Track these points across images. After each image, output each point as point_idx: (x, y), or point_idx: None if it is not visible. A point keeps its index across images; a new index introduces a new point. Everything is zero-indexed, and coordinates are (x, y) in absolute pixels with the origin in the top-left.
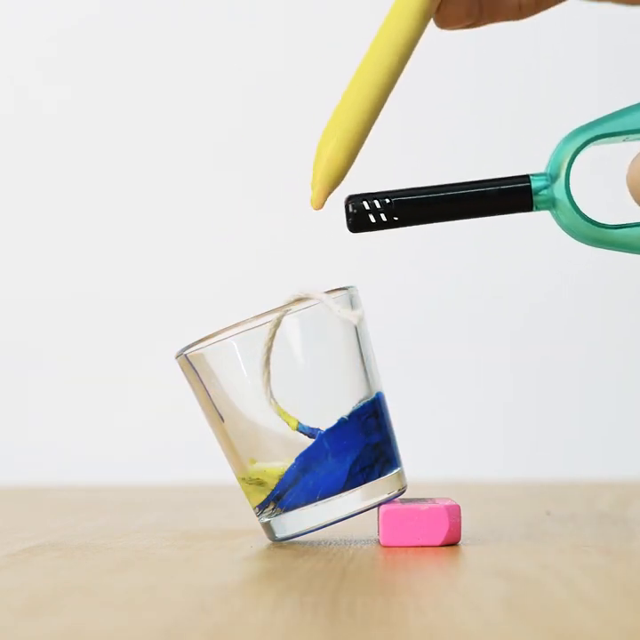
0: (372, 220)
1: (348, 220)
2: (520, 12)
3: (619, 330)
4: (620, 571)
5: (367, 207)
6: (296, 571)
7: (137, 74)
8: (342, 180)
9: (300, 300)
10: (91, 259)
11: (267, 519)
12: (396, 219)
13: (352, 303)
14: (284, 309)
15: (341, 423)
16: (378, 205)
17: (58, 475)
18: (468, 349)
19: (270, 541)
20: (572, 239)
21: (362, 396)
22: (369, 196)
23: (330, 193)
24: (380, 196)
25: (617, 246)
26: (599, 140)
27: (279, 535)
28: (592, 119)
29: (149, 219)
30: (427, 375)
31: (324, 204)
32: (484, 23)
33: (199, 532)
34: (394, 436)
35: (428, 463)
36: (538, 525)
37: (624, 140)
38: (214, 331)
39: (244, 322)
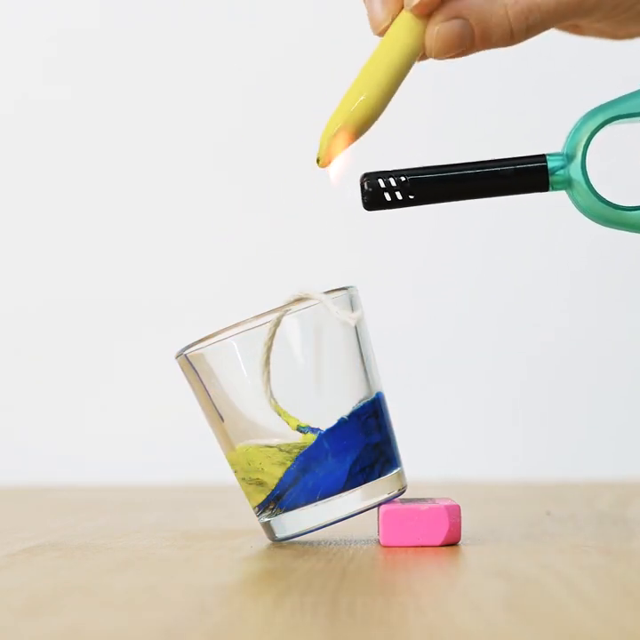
0: (388, 197)
1: (362, 198)
2: (511, 39)
3: (619, 330)
4: (620, 571)
5: (382, 185)
6: (296, 571)
7: (136, 74)
8: (368, 127)
9: (299, 300)
10: (91, 259)
11: (267, 519)
12: (411, 197)
13: (352, 304)
14: (284, 309)
15: (341, 423)
16: (393, 183)
17: (58, 475)
18: (468, 349)
19: (270, 541)
20: (588, 219)
21: (362, 396)
22: (384, 174)
23: (351, 142)
24: (395, 173)
25: (633, 227)
26: (617, 121)
27: (279, 535)
28: (610, 99)
29: (150, 218)
30: (427, 375)
31: (333, 158)
32: (476, 51)
33: (199, 532)
34: (394, 436)
35: (428, 463)
36: (538, 525)
37: None
38: (214, 331)
39: (244, 322)
